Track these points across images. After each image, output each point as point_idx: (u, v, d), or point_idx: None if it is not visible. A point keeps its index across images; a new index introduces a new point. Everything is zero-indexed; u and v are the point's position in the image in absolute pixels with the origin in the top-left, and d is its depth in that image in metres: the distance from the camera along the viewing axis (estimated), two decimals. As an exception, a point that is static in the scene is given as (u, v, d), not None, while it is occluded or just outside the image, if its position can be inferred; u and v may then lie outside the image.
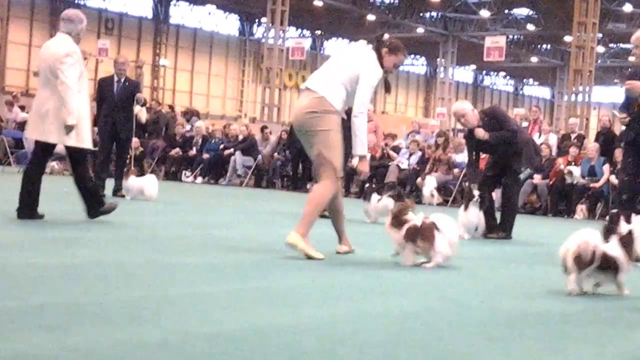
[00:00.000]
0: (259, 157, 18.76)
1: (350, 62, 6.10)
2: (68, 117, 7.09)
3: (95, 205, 7.56)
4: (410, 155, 17.07)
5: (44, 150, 7.47)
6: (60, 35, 7.38)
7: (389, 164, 16.79)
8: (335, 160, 5.90)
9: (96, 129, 11.63)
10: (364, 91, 5.99)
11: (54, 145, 7.45)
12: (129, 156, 12.51)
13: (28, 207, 7.25)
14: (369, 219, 9.67)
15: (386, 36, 6.48)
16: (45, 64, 7.20)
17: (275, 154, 18.74)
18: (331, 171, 5.88)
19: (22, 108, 21.56)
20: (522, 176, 8.92)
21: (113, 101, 11.53)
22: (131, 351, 2.78)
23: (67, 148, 7.41)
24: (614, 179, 14.43)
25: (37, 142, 7.46)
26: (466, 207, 8.40)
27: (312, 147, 5.97)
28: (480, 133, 8.62)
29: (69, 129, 7.15)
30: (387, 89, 6.63)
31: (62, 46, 7.19)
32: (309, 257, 5.62)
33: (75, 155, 7.46)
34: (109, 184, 11.58)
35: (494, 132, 8.61)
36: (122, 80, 11.64)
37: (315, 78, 6.09)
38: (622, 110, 7.76)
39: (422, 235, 5.61)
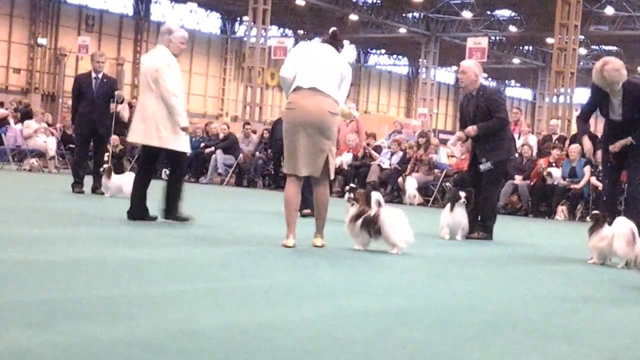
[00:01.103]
0: (240, 155, 18.64)
1: (335, 66, 6.45)
2: (179, 119, 7.60)
3: (173, 210, 7.90)
4: (392, 155, 17.03)
5: (149, 154, 7.89)
6: (159, 47, 7.87)
7: (371, 163, 16.74)
8: (334, 165, 6.61)
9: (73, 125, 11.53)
10: (346, 92, 6.57)
11: (159, 149, 7.77)
12: (107, 154, 12.42)
13: (140, 209, 7.82)
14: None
15: (334, 30, 6.77)
16: (146, 74, 7.71)
17: (257, 153, 18.63)
18: (331, 173, 6.52)
19: (1, 104, 21.36)
20: (481, 167, 8.75)
21: (91, 98, 11.47)
22: (110, 349, 2.77)
23: (168, 151, 7.79)
24: (594, 181, 14.47)
25: (143, 147, 7.97)
26: (452, 208, 8.30)
27: (319, 145, 6.33)
28: (471, 132, 8.61)
29: (184, 130, 7.71)
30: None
31: (163, 58, 7.68)
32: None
33: (175, 159, 7.92)
34: (87, 181, 11.49)
35: (482, 123, 8.56)
36: (100, 76, 11.57)
37: (320, 80, 6.35)
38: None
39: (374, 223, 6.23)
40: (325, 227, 6.50)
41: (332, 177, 6.55)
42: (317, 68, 6.37)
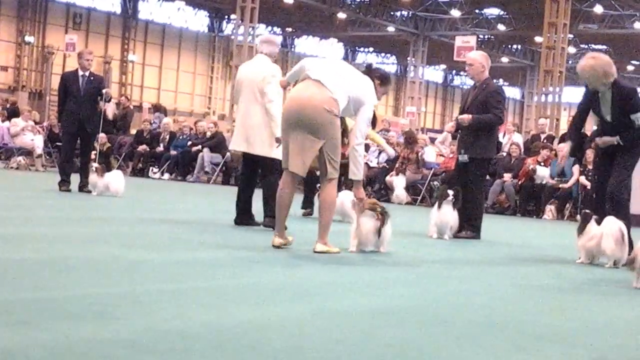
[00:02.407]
0: (227, 154, 18.58)
1: (355, 82, 6.22)
2: (277, 130, 7.53)
3: (255, 217, 8.03)
4: (380, 153, 17.01)
5: (250, 162, 8.03)
6: (261, 57, 8.00)
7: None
8: (338, 164, 6.20)
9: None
10: (364, 120, 6.22)
11: (260, 157, 7.86)
12: (94, 152, 12.38)
13: (245, 215, 8.01)
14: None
15: (374, 65, 6.62)
16: (250, 82, 7.82)
17: (244, 151, 18.58)
18: (335, 173, 6.16)
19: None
20: (459, 157, 8.72)
21: (78, 96, 11.42)
22: (98, 348, 2.75)
23: (262, 157, 7.86)
24: (583, 180, 14.50)
25: (244, 156, 8.08)
26: (439, 206, 8.27)
27: (310, 140, 6.05)
28: (465, 120, 8.57)
29: (279, 141, 7.66)
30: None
31: (267, 67, 7.85)
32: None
33: (269, 165, 7.90)
34: (74, 179, 11.43)
35: (478, 115, 8.53)
36: (87, 74, 11.53)
37: (328, 76, 6.12)
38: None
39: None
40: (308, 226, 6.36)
41: (334, 175, 6.13)
42: (331, 69, 6.18)
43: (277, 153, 7.78)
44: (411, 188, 16.08)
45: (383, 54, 58.27)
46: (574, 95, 56.66)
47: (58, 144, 16.71)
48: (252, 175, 8.19)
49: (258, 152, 7.83)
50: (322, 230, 6.08)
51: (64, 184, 11.34)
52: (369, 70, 6.42)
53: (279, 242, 6.15)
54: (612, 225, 6.53)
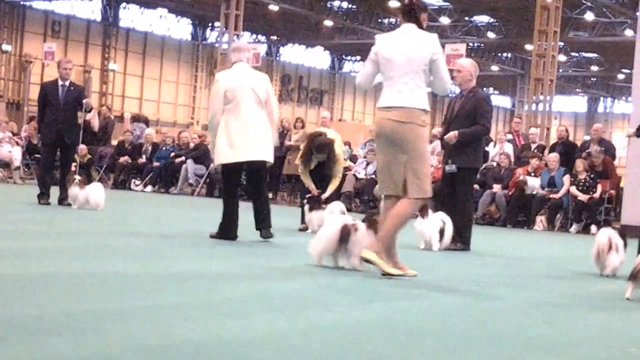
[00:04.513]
0: (212, 165, 18.23)
1: (417, 53, 5.69)
2: (277, 136, 8.17)
3: (268, 225, 7.95)
4: (367, 164, 16.74)
5: (253, 170, 8.00)
6: (243, 65, 7.93)
7: (346, 173, 16.41)
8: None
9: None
10: (445, 69, 5.78)
11: (262, 164, 7.91)
12: (75, 164, 12.12)
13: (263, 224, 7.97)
14: (311, 228, 9.36)
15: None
16: (249, 91, 7.74)
17: (229, 162, 18.23)
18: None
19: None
20: (446, 167, 8.69)
21: (58, 106, 11.29)
22: None
23: (264, 165, 7.93)
24: (574, 190, 14.30)
25: (249, 165, 7.91)
26: (423, 217, 8.22)
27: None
28: (452, 139, 8.49)
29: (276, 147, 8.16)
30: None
31: (263, 76, 7.99)
32: (386, 274, 5.54)
33: (263, 173, 8.08)
34: (54, 191, 11.27)
35: (464, 130, 8.46)
36: (67, 84, 11.34)
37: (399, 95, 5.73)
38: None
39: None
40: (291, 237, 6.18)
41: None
42: (398, 76, 5.72)
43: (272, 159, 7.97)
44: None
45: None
46: (565, 104, 57.05)
47: (37, 155, 16.35)
48: (250, 185, 8.28)
49: (266, 158, 7.84)
50: (378, 239, 5.64)
51: (43, 197, 11.17)
52: (414, 9, 5.81)
53: (367, 255, 5.65)
54: (602, 235, 6.82)
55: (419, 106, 5.67)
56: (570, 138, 16.87)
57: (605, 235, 6.77)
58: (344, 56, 56.27)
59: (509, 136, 16.65)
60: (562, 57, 40.26)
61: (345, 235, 5.83)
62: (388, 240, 5.63)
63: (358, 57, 56.30)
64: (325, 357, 3.05)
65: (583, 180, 14.39)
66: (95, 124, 12.44)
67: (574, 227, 14.37)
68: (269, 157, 7.85)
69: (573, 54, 46.29)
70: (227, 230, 7.76)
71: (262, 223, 7.90)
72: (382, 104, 5.80)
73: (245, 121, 7.70)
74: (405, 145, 5.64)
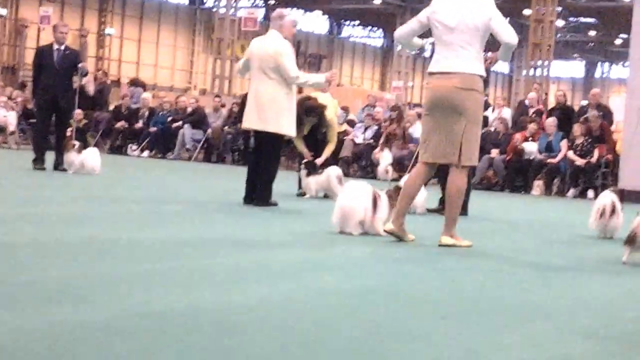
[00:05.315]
0: (209, 130, 18.16)
1: (474, 19, 5.61)
2: (316, 81, 8.13)
3: (267, 196, 7.82)
4: (366, 129, 16.68)
5: (262, 140, 7.91)
6: (271, 32, 7.98)
7: (344, 138, 16.36)
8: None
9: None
10: (505, 23, 5.72)
11: (270, 135, 7.82)
12: (70, 128, 12.06)
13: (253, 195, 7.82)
14: (309, 193, 9.53)
15: None
16: (259, 59, 7.81)
17: (226, 128, 18.15)
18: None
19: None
20: None
21: (53, 70, 11.17)
22: (70, 331, 2.68)
23: (272, 136, 7.81)
24: (571, 155, 14.27)
25: (256, 134, 7.98)
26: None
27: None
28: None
29: (330, 79, 8.14)
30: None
31: (276, 43, 7.83)
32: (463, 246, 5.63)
33: (276, 143, 7.93)
34: (49, 156, 11.17)
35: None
36: (63, 48, 11.23)
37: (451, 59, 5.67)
38: None
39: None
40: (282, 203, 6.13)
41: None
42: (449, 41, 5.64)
43: (287, 130, 7.88)
44: (398, 164, 15.74)
45: (369, 27, 57.57)
46: (563, 69, 56.62)
47: (32, 120, 16.26)
48: (260, 153, 8.12)
49: (271, 129, 7.78)
50: (449, 222, 5.66)
51: (39, 162, 11.11)
52: None
53: (390, 227, 5.69)
54: (602, 198, 6.99)
55: (478, 72, 5.63)
56: (568, 103, 16.80)
57: (608, 197, 6.85)
58: (342, 21, 55.80)
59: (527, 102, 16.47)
60: (560, 22, 39.90)
61: (374, 202, 5.87)
62: (455, 219, 5.68)
63: (357, 22, 55.88)
64: (325, 323, 3.04)
65: (580, 145, 14.35)
66: (91, 88, 12.37)
67: (571, 192, 14.36)
68: (274, 128, 7.76)
69: (571, 19, 45.88)
70: (247, 195, 7.88)
71: (253, 194, 7.86)
72: (439, 69, 5.68)
73: (254, 90, 7.89)
74: (465, 112, 5.57)
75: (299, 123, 9.59)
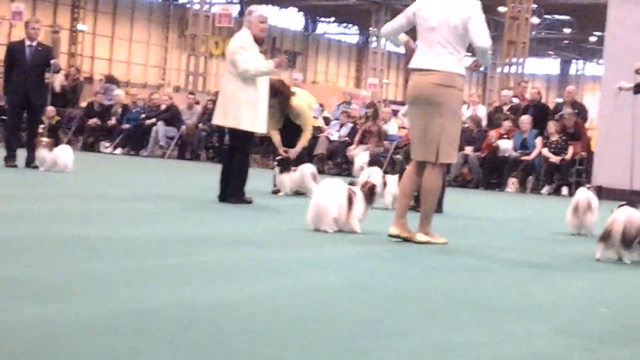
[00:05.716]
0: (183, 127, 18.03)
1: (454, 18, 5.61)
2: (263, 70, 7.79)
3: (239, 193, 7.80)
4: (341, 126, 16.65)
5: (233, 136, 7.90)
6: (242, 29, 8.02)
7: (319, 135, 16.31)
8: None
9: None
10: (481, 25, 5.65)
11: (232, 131, 7.85)
12: (42, 125, 11.90)
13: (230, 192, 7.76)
14: (283, 191, 9.48)
15: None
16: (226, 56, 7.99)
17: (200, 124, 18.02)
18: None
19: None
20: None
21: (25, 66, 11.08)
22: (58, 328, 2.67)
23: (233, 131, 7.82)
24: (546, 152, 14.35)
25: (230, 130, 7.92)
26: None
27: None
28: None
29: (276, 68, 8.01)
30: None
31: (238, 40, 7.91)
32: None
33: (244, 139, 7.86)
34: (21, 154, 11.05)
35: None
36: (35, 44, 11.11)
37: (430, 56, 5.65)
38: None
39: None
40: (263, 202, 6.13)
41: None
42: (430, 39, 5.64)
43: (246, 125, 7.80)
44: (373, 162, 15.74)
45: (344, 24, 57.53)
46: (538, 66, 56.92)
47: (3, 117, 16.04)
48: (233, 150, 8.08)
49: (230, 124, 7.82)
50: (423, 219, 5.68)
51: (10, 159, 10.99)
52: None
53: (395, 232, 5.65)
54: (579, 195, 7.04)
55: (457, 70, 5.62)
56: (543, 100, 16.89)
57: (584, 194, 6.90)
58: (317, 17, 55.72)
59: (515, 100, 16.49)
60: (535, 20, 40.15)
61: (349, 199, 5.85)
62: (430, 216, 5.70)
63: (332, 19, 55.84)
64: (309, 321, 3.05)
65: (555, 142, 14.44)
66: (57, 84, 12.21)
67: (545, 189, 14.44)
68: (233, 123, 7.74)
69: (546, 16, 46.20)
70: (222, 192, 7.84)
71: (226, 190, 7.83)
72: (419, 66, 5.68)
73: (221, 86, 8.14)
74: (443, 106, 5.56)
75: (279, 115, 9.57)
